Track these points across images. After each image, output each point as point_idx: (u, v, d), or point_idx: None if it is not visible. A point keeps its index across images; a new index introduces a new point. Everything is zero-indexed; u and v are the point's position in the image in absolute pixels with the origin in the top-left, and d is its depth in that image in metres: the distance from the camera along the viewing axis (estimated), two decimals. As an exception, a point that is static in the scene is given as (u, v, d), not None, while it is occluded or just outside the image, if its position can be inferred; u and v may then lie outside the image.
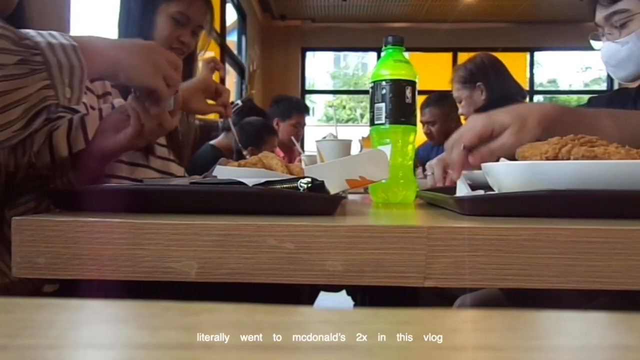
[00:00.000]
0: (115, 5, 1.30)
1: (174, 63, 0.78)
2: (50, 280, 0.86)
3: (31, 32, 0.61)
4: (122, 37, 1.27)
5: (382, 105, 0.84)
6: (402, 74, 0.84)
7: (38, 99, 0.59)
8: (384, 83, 0.84)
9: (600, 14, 1.12)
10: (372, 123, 0.86)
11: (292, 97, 3.36)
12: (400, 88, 0.84)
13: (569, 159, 0.62)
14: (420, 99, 2.76)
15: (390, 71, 0.84)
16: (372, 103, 0.86)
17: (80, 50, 0.62)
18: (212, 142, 2.42)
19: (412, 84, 0.85)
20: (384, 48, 0.87)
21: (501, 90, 1.97)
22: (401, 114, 0.84)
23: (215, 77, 1.31)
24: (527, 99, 2.18)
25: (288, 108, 2.92)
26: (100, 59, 0.68)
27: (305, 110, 3.03)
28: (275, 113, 2.91)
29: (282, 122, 2.88)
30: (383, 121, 0.84)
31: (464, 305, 1.14)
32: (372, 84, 0.86)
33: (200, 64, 1.25)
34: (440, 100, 2.66)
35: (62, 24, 1.85)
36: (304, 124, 3.00)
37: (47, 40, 0.60)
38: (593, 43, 1.18)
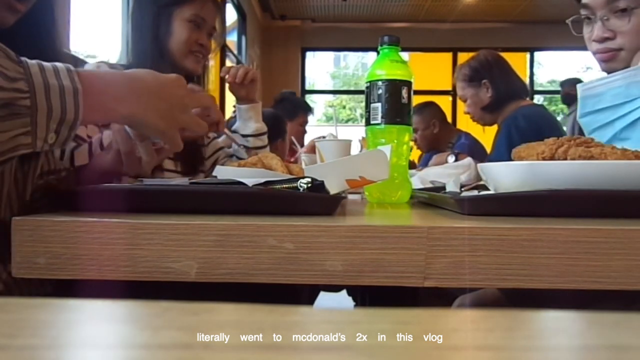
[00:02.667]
0: (118, 13, 1.29)
1: (198, 103, 0.72)
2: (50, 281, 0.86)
3: (34, 67, 0.54)
4: (135, 48, 1.26)
5: (378, 105, 0.84)
6: (398, 74, 0.84)
7: (8, 146, 0.52)
8: (380, 83, 0.84)
9: None
10: (367, 123, 0.86)
11: (295, 96, 3.36)
12: (396, 88, 0.84)
13: (565, 159, 0.62)
14: (420, 99, 2.77)
15: (386, 71, 0.84)
16: (368, 103, 0.86)
17: (81, 96, 0.56)
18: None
19: (408, 84, 0.85)
20: (380, 48, 0.87)
21: (506, 87, 1.96)
22: (397, 114, 0.84)
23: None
24: (529, 98, 2.16)
25: (294, 107, 2.92)
26: (103, 110, 0.61)
27: (309, 109, 3.03)
28: (282, 112, 2.91)
29: (289, 121, 2.87)
30: (379, 121, 0.84)
31: (463, 305, 1.14)
32: (368, 84, 0.86)
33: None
34: (421, 109, 2.74)
35: (62, 25, 1.85)
36: (307, 123, 3.01)
37: (45, 81, 0.53)
38: (574, 27, 1.07)
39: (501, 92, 1.95)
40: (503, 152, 1.84)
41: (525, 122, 1.85)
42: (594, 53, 1.05)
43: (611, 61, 1.02)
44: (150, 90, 0.64)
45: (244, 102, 1.45)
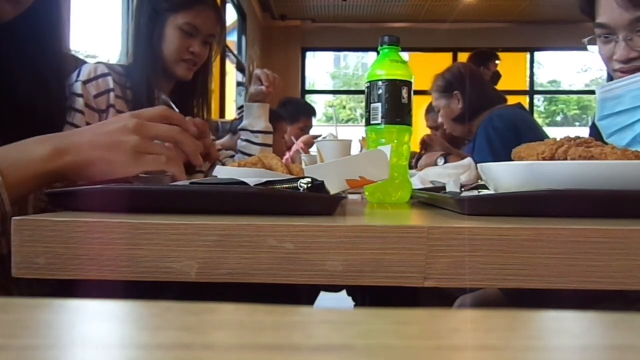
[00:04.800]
0: (118, 13, 1.31)
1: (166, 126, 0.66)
2: (49, 281, 0.86)
3: None
4: (133, 51, 1.27)
5: (378, 105, 0.84)
6: (398, 74, 0.84)
7: None
8: (380, 83, 0.84)
9: (622, 16, 0.97)
10: (367, 123, 0.86)
11: (299, 99, 3.39)
12: (396, 88, 0.84)
13: (565, 159, 0.62)
14: (420, 99, 2.80)
15: (386, 71, 0.84)
16: (368, 103, 0.86)
17: (4, 188, 0.53)
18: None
19: (408, 84, 0.85)
20: (380, 48, 0.87)
21: (477, 99, 2.00)
22: (397, 114, 0.84)
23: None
24: (529, 98, 2.22)
25: (296, 111, 2.94)
26: (32, 180, 0.58)
27: (312, 113, 3.05)
28: (284, 115, 2.92)
29: (290, 125, 2.88)
30: (379, 121, 0.84)
31: (463, 305, 1.14)
32: (368, 84, 0.86)
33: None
34: None
35: (62, 24, 1.85)
36: (311, 127, 3.02)
37: None
38: (590, 48, 1.05)
39: (472, 103, 1.99)
40: (485, 155, 1.86)
41: (500, 121, 1.88)
42: (615, 71, 1.01)
43: None
44: (94, 141, 0.61)
45: (256, 101, 1.49)
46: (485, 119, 1.95)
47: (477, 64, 3.17)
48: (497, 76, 3.55)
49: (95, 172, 0.61)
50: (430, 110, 2.75)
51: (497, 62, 3.42)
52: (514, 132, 1.81)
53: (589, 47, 1.05)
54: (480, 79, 2.08)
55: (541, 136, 1.86)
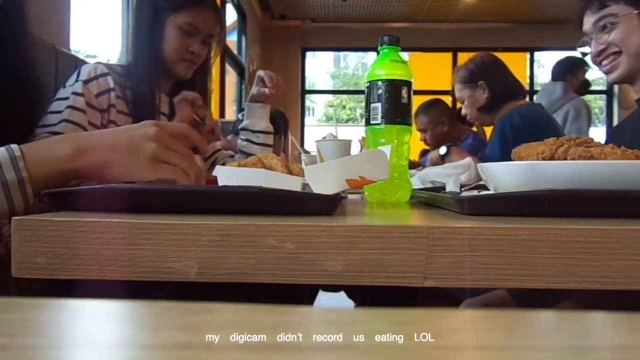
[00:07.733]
0: (118, 16, 1.31)
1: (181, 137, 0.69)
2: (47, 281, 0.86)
3: None
4: (133, 50, 1.28)
5: (378, 105, 0.84)
6: (398, 74, 0.84)
7: None
8: (380, 83, 0.84)
9: (589, 20, 1.23)
10: (367, 123, 0.86)
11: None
12: (396, 88, 0.84)
13: (565, 159, 0.62)
14: (420, 99, 2.79)
15: (386, 71, 0.84)
16: (368, 103, 0.86)
17: (29, 184, 0.57)
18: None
19: (408, 84, 0.85)
20: (379, 48, 0.87)
21: (503, 88, 1.99)
22: (397, 114, 0.84)
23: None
24: (527, 98, 2.20)
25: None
26: (53, 177, 0.61)
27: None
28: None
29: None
30: (379, 121, 0.84)
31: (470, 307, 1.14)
32: (368, 84, 0.86)
33: (176, 103, 1.28)
34: (428, 107, 2.77)
35: (62, 24, 1.85)
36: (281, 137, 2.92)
37: None
38: (581, 50, 1.29)
39: (497, 93, 1.98)
40: (495, 148, 1.86)
41: (520, 119, 1.88)
42: (599, 65, 1.26)
43: (614, 71, 1.22)
44: (115, 144, 0.64)
45: (257, 102, 1.49)
46: (506, 113, 1.94)
47: (564, 72, 3.13)
48: (586, 85, 3.44)
49: (112, 173, 0.64)
50: (418, 113, 2.75)
51: (585, 69, 3.30)
52: (531, 131, 1.81)
53: (579, 49, 1.32)
54: (504, 68, 2.07)
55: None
